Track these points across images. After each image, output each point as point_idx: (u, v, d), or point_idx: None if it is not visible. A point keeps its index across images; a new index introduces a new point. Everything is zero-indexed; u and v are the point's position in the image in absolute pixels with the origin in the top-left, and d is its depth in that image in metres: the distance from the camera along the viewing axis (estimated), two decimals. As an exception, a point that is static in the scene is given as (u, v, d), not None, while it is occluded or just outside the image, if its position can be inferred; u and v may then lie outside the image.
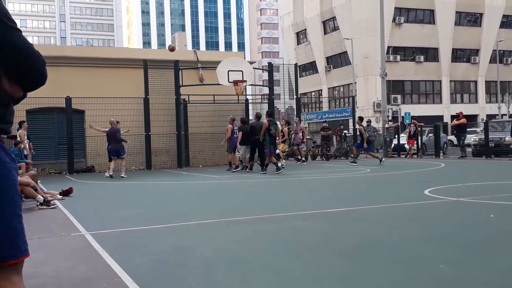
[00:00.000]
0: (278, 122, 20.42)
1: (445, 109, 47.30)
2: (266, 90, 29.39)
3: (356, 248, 4.64)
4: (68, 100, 17.59)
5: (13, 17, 1.77)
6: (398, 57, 45.56)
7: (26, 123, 14.79)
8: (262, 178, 13.39)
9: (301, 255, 4.44)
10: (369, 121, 24.32)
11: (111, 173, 14.85)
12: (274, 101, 21.65)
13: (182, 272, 4.00)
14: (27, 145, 14.35)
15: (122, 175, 14.81)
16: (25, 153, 14.06)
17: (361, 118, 18.86)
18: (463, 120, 19.96)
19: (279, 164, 14.71)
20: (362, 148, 18.70)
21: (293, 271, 3.87)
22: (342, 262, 4.16)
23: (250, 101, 24.63)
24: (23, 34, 1.77)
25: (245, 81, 18.60)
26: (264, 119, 15.72)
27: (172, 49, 18.31)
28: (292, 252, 4.57)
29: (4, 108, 1.77)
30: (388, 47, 41.07)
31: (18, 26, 1.75)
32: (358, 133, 19.10)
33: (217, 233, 5.59)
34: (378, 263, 4.04)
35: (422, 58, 46.48)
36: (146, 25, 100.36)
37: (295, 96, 22.54)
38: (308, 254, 4.46)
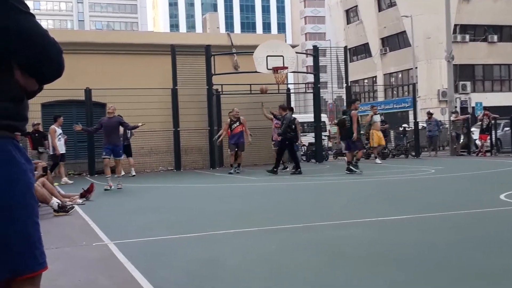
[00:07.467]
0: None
1: (524, 98, 45.95)
2: (311, 78, 29.19)
3: (409, 259, 4.56)
4: (88, 92, 17.94)
5: (26, -1, 1.79)
6: (467, 37, 44.48)
7: (62, 117, 15.07)
8: (301, 181, 13.42)
9: (345, 267, 4.42)
10: (430, 113, 23.94)
11: (134, 173, 16.10)
12: (320, 90, 21.51)
13: (211, 286, 4.03)
14: (57, 142, 14.55)
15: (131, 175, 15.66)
16: (54, 152, 14.38)
17: (290, 108, 16.93)
18: (547, 111, 19.34)
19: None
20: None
21: (336, 284, 3.83)
22: (393, 273, 4.09)
23: (292, 91, 24.54)
24: (37, 17, 1.79)
25: (287, 67, 18.56)
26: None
27: (263, 90, 18.32)
28: (335, 264, 4.56)
29: (18, 103, 1.79)
30: (455, 25, 40.10)
31: (31, 9, 1.77)
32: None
33: (250, 242, 5.65)
34: (428, 274, 3.95)
35: (495, 37, 45.26)
36: (173, 5, 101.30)
37: (344, 84, 22.32)
38: (351, 267, 4.42)
